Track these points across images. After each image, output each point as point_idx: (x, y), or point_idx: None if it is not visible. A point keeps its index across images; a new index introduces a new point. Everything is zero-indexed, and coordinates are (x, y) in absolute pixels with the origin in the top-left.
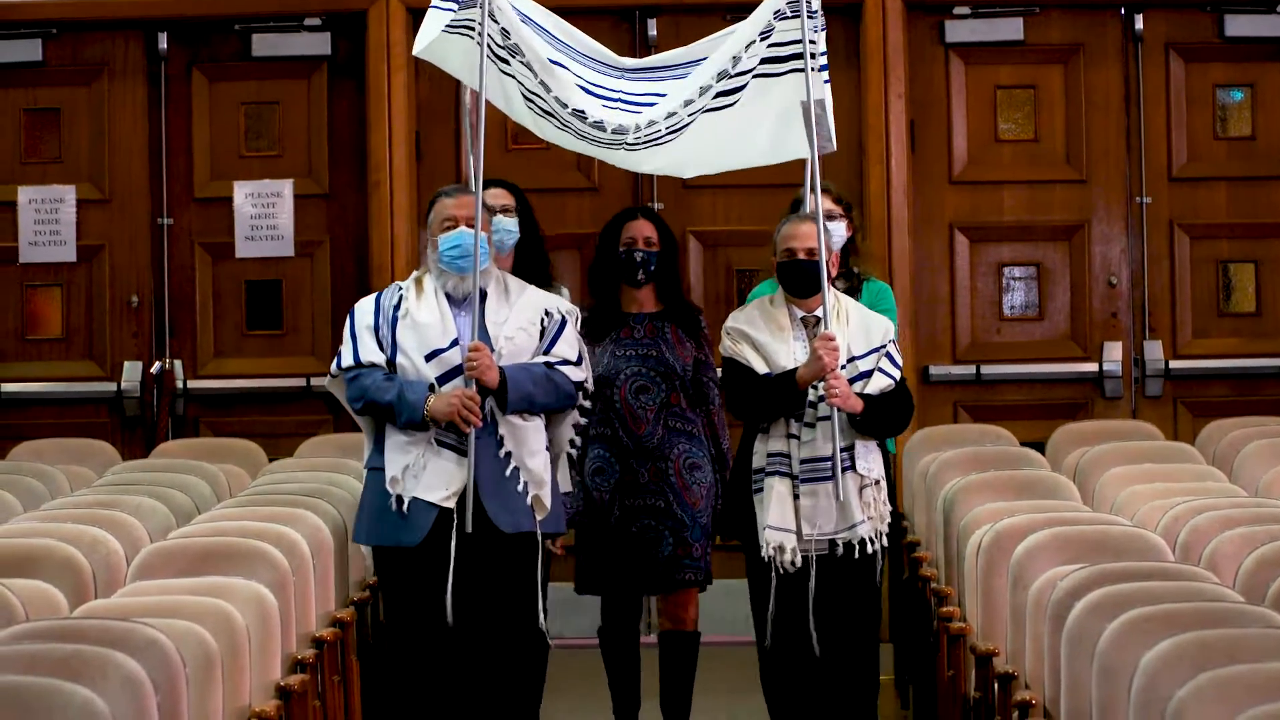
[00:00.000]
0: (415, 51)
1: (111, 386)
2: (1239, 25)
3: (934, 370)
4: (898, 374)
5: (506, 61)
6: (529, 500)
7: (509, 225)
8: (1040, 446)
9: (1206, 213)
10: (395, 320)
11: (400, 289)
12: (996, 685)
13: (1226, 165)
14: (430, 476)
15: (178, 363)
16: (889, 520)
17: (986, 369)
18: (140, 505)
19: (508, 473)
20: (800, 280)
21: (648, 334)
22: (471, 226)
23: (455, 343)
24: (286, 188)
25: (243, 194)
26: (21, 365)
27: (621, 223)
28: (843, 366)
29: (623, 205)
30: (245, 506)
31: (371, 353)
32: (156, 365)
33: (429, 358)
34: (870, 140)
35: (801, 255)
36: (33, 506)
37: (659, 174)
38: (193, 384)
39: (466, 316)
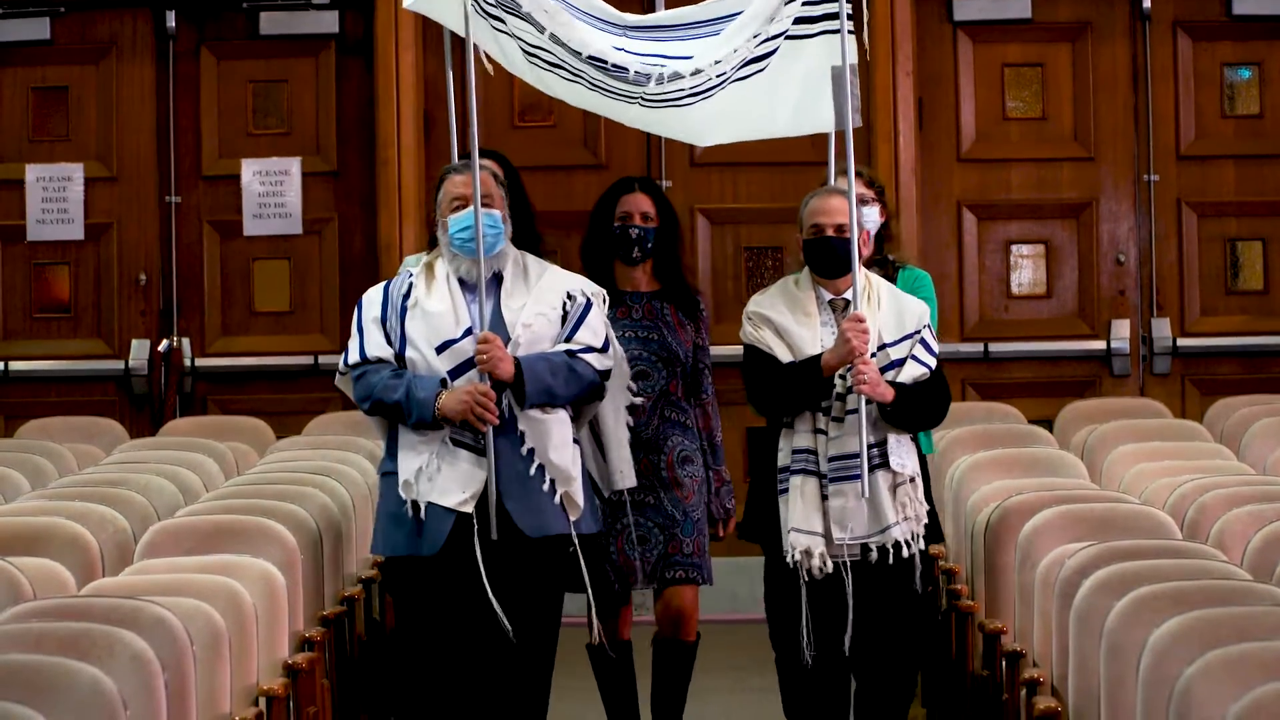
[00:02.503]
0: (405, 4)
1: (119, 364)
2: (1246, 4)
3: (942, 348)
4: (933, 362)
5: (501, 20)
6: (557, 499)
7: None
8: (1048, 424)
9: (1214, 191)
10: (404, 310)
11: (411, 275)
12: (1004, 664)
13: (1234, 143)
14: (445, 480)
15: (185, 340)
16: (925, 521)
17: (994, 347)
18: (148, 483)
19: (532, 471)
20: (829, 259)
21: (646, 315)
22: (485, 206)
23: (469, 332)
24: (294, 166)
25: (251, 172)
26: (29, 343)
27: (617, 195)
28: (873, 354)
29: None
30: (253, 485)
31: (378, 347)
32: (164, 343)
33: (440, 349)
34: (878, 118)
35: (830, 232)
36: (40, 484)
37: (674, 139)
38: (200, 362)
39: (479, 304)
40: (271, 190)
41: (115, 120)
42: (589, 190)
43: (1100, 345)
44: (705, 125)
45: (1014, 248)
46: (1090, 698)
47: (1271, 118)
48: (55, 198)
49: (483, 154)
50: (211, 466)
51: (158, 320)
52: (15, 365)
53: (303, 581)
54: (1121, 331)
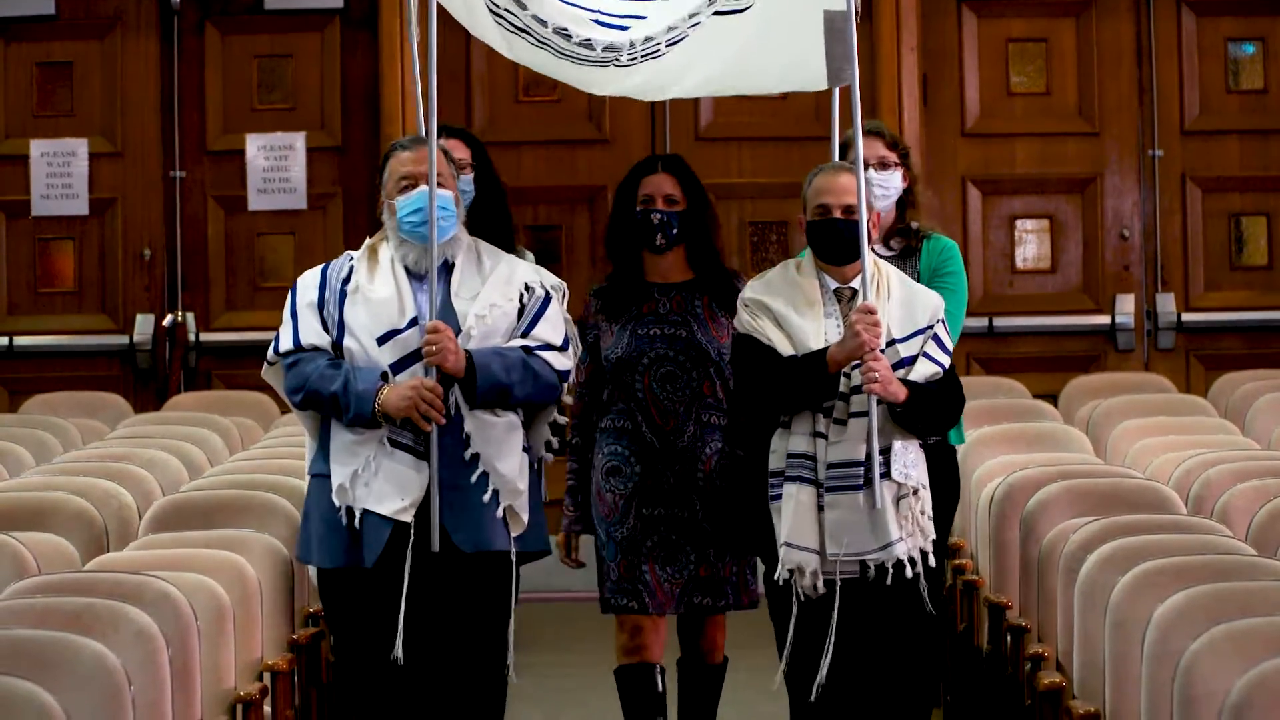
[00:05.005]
0: None
1: (124, 339)
2: None
3: None
4: (946, 360)
5: None
6: (500, 513)
7: (462, 184)
8: (1053, 399)
9: (1219, 166)
10: (343, 295)
11: (351, 259)
12: (1009, 639)
13: (1238, 118)
14: (382, 484)
15: (190, 315)
16: (933, 537)
17: (999, 321)
18: (152, 458)
19: (474, 479)
20: (835, 243)
21: (675, 309)
22: (438, 185)
23: (414, 322)
24: (299, 141)
25: (255, 147)
26: (34, 318)
27: (638, 177)
28: (882, 350)
29: (635, 158)
30: (258, 460)
31: (314, 334)
32: (169, 318)
33: (382, 340)
34: (883, 93)
35: (838, 213)
36: (45, 459)
37: (640, 96)
38: (205, 337)
39: (429, 292)
40: (276, 165)
41: (120, 96)
42: (592, 166)
43: (1105, 320)
44: (677, 74)
45: (1018, 222)
46: (1095, 672)
47: (1276, 92)
48: (60, 173)
49: (449, 130)
50: (216, 441)
51: (162, 295)
52: (20, 340)
53: None
54: (1126, 306)
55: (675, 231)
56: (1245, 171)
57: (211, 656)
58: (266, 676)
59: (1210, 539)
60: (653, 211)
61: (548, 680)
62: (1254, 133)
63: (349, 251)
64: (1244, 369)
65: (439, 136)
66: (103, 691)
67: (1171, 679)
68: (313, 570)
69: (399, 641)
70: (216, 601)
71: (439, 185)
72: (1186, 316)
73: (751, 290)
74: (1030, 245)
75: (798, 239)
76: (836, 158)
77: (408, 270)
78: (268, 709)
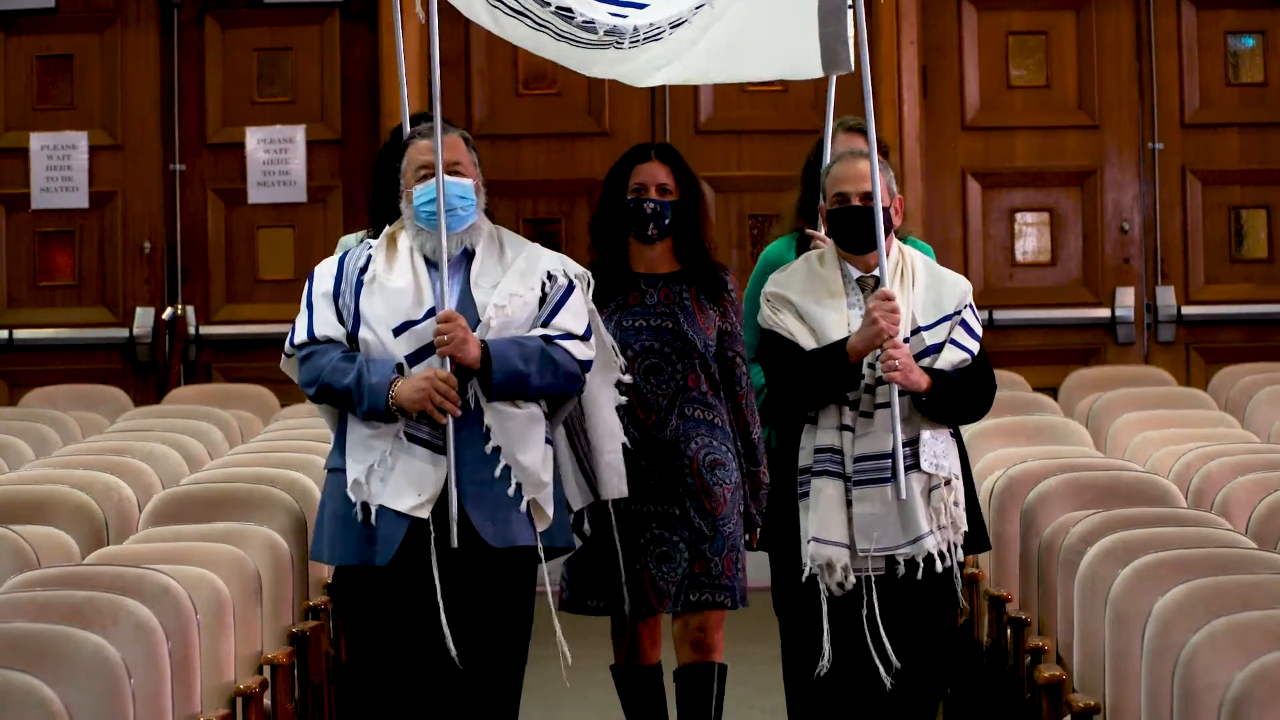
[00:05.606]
0: None
1: (124, 332)
2: None
3: None
4: (975, 346)
5: None
6: (524, 506)
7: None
8: (1053, 392)
9: (1219, 159)
10: (360, 285)
11: (370, 248)
12: (1010, 631)
13: (1238, 111)
14: (399, 479)
15: (190, 308)
16: (965, 529)
17: (999, 314)
18: (152, 451)
19: (496, 473)
20: (856, 231)
21: (662, 300)
22: (455, 174)
23: (432, 313)
24: (299, 133)
25: (255, 140)
26: (34, 311)
27: (630, 164)
28: (906, 339)
29: None
30: (257, 453)
31: (328, 326)
32: (169, 311)
33: (398, 331)
34: (882, 86)
35: (857, 200)
36: (45, 453)
37: (633, 82)
38: (205, 330)
39: (450, 281)
40: (276, 158)
41: (120, 88)
42: (592, 158)
43: (1105, 313)
44: (680, 55)
45: (1018, 215)
46: (1095, 665)
47: (1276, 85)
48: (60, 166)
49: (421, 117)
50: (216, 434)
51: (162, 288)
52: (20, 334)
53: (307, 549)
54: (1126, 299)
55: (668, 221)
56: (1245, 165)
57: (211, 650)
58: (266, 670)
59: (1210, 532)
60: (645, 200)
61: (548, 675)
62: (1254, 126)
63: (368, 240)
64: (1244, 362)
65: (413, 124)
66: (103, 685)
67: (1171, 672)
68: (328, 568)
69: (448, 640)
70: (216, 595)
71: (460, 174)
72: (1186, 309)
73: (773, 283)
74: (1030, 238)
75: (775, 230)
76: (829, 149)
77: (427, 260)
78: (267, 702)
